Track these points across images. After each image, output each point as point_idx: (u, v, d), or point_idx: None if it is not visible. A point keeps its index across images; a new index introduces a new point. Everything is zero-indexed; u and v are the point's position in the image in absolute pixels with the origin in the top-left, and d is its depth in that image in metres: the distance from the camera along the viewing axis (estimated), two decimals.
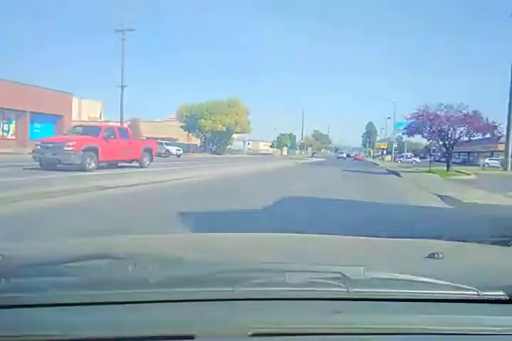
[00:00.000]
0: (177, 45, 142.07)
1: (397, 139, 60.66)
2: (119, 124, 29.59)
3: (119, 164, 15.71)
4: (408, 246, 1.63)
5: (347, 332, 0.78)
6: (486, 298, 0.87)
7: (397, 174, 19.91)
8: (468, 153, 61.28)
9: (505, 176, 19.21)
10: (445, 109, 20.11)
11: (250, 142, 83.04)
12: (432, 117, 19.97)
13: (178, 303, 0.84)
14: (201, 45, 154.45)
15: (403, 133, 22.21)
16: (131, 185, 9.80)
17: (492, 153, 56.24)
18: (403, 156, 57.35)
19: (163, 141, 38.21)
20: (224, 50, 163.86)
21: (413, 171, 22.84)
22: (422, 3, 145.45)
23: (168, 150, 36.36)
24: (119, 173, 13.12)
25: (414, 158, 57.52)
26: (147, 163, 16.57)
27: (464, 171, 20.73)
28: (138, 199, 8.11)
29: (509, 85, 22.83)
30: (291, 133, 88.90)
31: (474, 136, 20.34)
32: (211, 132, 51.30)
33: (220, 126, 49.91)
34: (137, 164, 16.07)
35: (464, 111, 19.87)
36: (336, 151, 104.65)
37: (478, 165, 42.34)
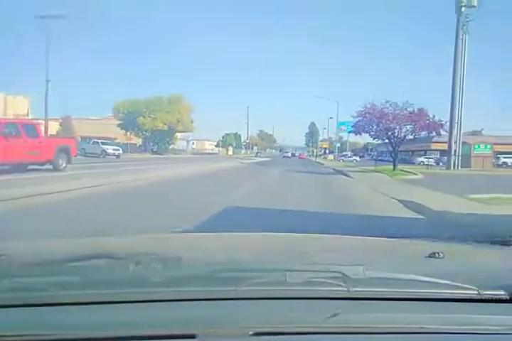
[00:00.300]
0: (114, 39, 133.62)
1: (339, 138, 61.46)
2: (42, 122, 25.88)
3: (29, 167, 12.93)
4: (408, 245, 1.63)
5: (347, 332, 0.77)
6: (486, 297, 0.85)
7: (346, 174, 18.78)
8: (402, 151, 63.37)
9: (451, 175, 18.87)
10: (391, 107, 19.34)
11: (195, 141, 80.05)
12: (378, 115, 19.09)
13: (179, 303, 0.82)
14: (141, 39, 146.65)
15: (350, 132, 21.16)
16: (21, 197, 7.30)
17: (425, 151, 58.83)
18: (345, 155, 58.18)
19: (99, 140, 35.15)
20: (165, 45, 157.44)
21: (359, 171, 21.96)
22: (368, 2, 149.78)
23: (104, 150, 33.27)
24: (19, 179, 10.40)
25: (354, 157, 58.74)
26: (63, 165, 13.81)
27: (409, 170, 20.13)
28: (16, 219, 5.70)
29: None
30: (236, 133, 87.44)
31: (420, 134, 19.78)
32: (151, 131, 47.82)
33: (161, 124, 46.59)
34: (51, 166, 13.31)
35: (409, 109, 19.21)
36: (280, 151, 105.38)
37: (414, 163, 43.99)
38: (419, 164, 43.16)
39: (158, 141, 50.54)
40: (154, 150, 50.24)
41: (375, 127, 19.54)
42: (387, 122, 18.86)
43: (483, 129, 60.95)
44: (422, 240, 1.68)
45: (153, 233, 3.12)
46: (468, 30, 21.59)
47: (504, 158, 36.30)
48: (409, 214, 7.11)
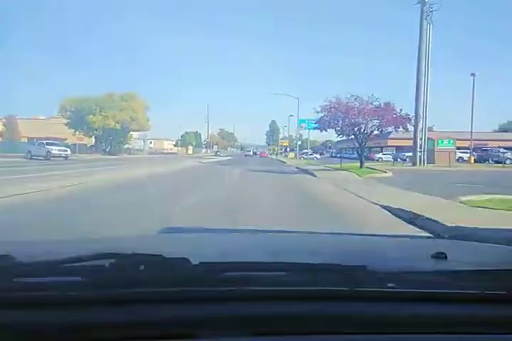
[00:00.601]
0: (64, 35, 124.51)
1: (298, 136, 60.53)
2: None
3: None
4: (411, 245, 1.64)
5: (349, 332, 0.76)
6: (489, 297, 0.84)
7: (311, 173, 17.07)
8: (359, 148, 62.88)
9: (420, 172, 17.70)
10: (356, 102, 17.86)
11: (153, 141, 76.24)
12: (344, 109, 17.52)
13: (181, 303, 0.82)
14: (92, 35, 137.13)
15: (314, 128, 19.46)
16: None
17: (382, 148, 59.22)
18: (305, 153, 57.33)
19: (44, 141, 31.72)
20: (120, 42, 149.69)
21: (324, 169, 20.41)
22: None
23: (49, 152, 29.85)
24: None
25: (315, 155, 58.19)
26: None
27: (376, 168, 18.81)
28: None
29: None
30: (196, 132, 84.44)
31: (386, 129, 18.45)
32: (102, 129, 44.01)
33: (113, 122, 42.94)
34: None
35: (375, 103, 17.82)
36: (242, 149, 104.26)
37: (373, 159, 43.77)
38: (377, 160, 43.10)
39: (112, 140, 46.84)
40: (108, 150, 46.58)
41: (340, 122, 17.97)
42: (353, 117, 17.36)
43: (434, 126, 62.37)
44: (424, 239, 1.58)
45: (154, 233, 3.27)
46: (433, 21, 20.65)
47: (460, 152, 36.48)
48: (408, 229, 5.31)
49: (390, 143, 55.16)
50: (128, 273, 0.87)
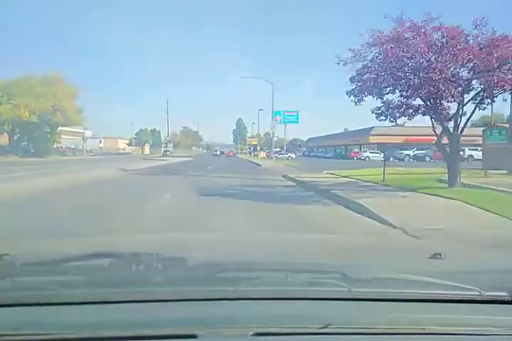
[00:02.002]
0: None
1: (265, 135, 51.06)
2: None
3: None
4: (409, 246, 1.58)
5: (348, 332, 0.75)
6: (488, 298, 0.82)
7: (361, 209, 6.07)
8: (331, 146, 53.84)
9: None
10: (439, 33, 7.26)
11: (103, 139, 62.92)
12: (430, 39, 6.57)
13: (181, 302, 0.79)
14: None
15: (349, 95, 8.68)
16: None
17: (361, 145, 50.10)
18: (277, 152, 46.68)
19: None
20: (59, 22, 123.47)
21: (351, 183, 9.81)
22: None
23: None
24: None
25: (290, 154, 48.01)
26: None
27: (478, 183, 8.31)
28: None
29: None
30: (154, 129, 72.00)
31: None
32: (12, 122, 30.93)
33: (27, 113, 29.97)
34: None
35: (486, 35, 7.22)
36: (208, 149, 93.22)
37: (352, 159, 37.96)
38: (364, 160, 35.19)
39: (35, 138, 34.01)
40: (32, 150, 33.88)
41: (408, 76, 7.02)
42: (461, 58, 6.59)
43: (405, 122, 53.92)
44: (424, 240, 1.53)
45: (154, 233, 3.14)
46: None
47: (470, 150, 27.48)
48: None
49: (371, 139, 45.67)
50: (127, 272, 0.84)
